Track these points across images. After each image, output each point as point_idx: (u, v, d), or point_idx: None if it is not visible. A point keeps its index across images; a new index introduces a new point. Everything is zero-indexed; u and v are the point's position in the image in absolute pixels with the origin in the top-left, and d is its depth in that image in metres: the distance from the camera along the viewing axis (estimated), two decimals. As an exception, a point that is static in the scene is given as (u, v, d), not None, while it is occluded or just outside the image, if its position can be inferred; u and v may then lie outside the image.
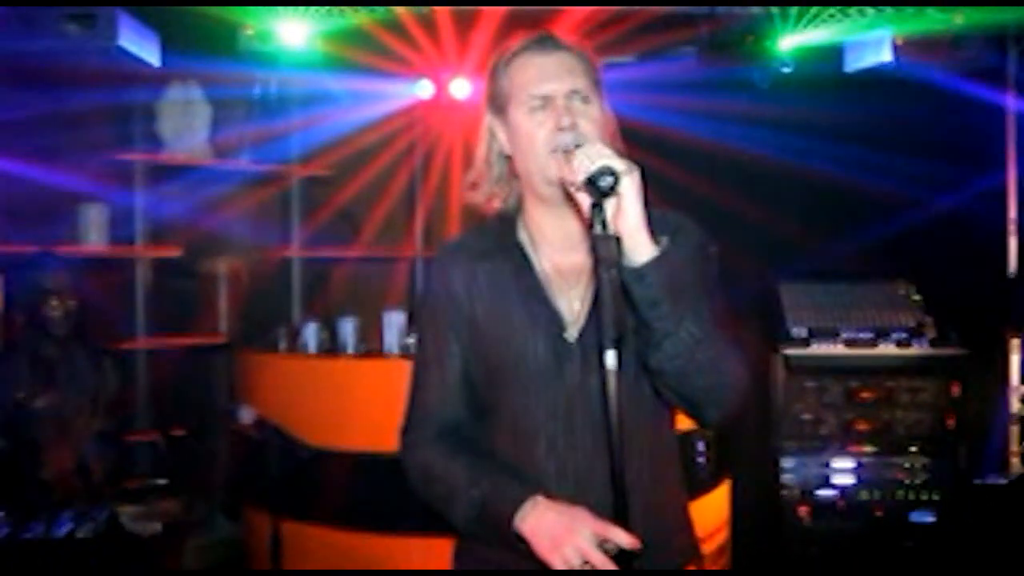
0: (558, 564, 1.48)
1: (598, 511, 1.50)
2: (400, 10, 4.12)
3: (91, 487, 3.75)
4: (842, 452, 3.97)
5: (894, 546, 3.89)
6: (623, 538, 1.43)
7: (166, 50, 4.05)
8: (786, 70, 4.29)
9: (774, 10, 4.15)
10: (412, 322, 4.14)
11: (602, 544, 1.46)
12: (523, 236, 1.74)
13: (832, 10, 4.03)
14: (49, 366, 3.78)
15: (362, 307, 4.29)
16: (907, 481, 3.93)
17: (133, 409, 4.74)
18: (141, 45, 3.88)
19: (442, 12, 4.21)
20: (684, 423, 1.84)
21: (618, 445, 1.40)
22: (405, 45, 4.45)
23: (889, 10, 3.88)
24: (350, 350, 4.02)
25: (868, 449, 3.96)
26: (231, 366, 4.57)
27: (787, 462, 4.00)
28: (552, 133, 1.60)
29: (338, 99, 4.96)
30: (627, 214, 1.44)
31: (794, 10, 4.09)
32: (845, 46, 4.20)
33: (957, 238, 4.25)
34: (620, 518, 1.43)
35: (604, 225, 1.40)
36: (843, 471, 3.97)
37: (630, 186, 1.43)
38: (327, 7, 4.08)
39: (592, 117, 1.63)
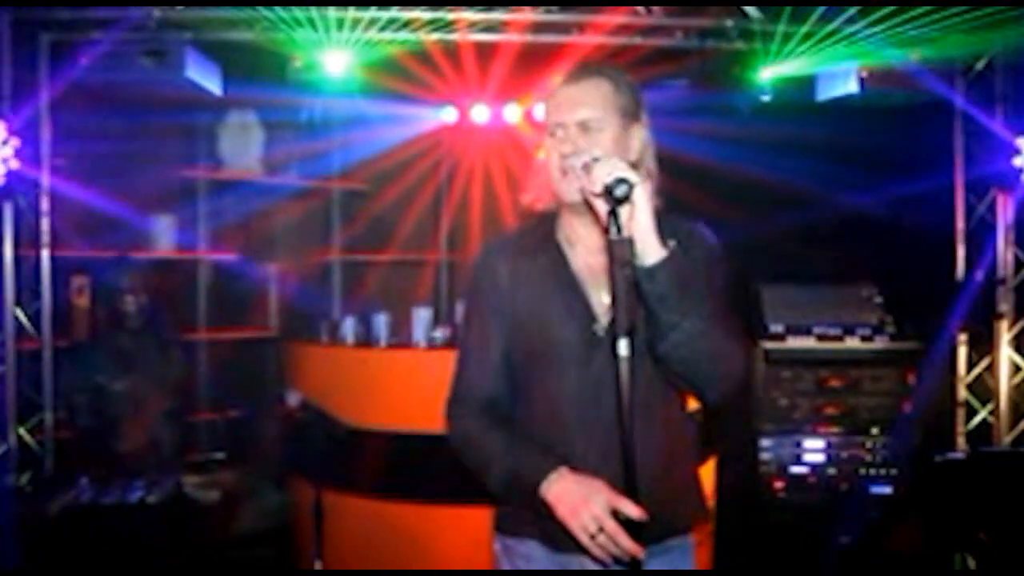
0: (576, 528, 1.52)
1: (617, 481, 1.52)
2: (429, 43, 4.10)
3: (160, 459, 3.81)
4: (813, 433, 3.99)
5: (857, 515, 3.90)
6: (631, 510, 1.47)
7: (226, 79, 4.07)
8: (765, 98, 4.31)
9: (756, 44, 4.17)
10: (438, 318, 4.18)
11: (615, 513, 1.50)
12: (561, 237, 1.76)
13: (807, 44, 4.05)
14: (125, 355, 3.82)
15: (394, 304, 4.31)
16: (869, 458, 3.95)
17: (196, 392, 4.81)
18: (205, 76, 3.90)
19: (465, 46, 4.21)
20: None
21: (629, 424, 1.43)
22: (433, 75, 4.43)
23: (856, 46, 3.90)
24: (383, 342, 4.05)
25: (835, 430, 3.98)
26: (280, 355, 4.60)
27: (765, 442, 4.01)
28: (560, 158, 1.64)
29: (374, 122, 4.98)
30: (639, 219, 1.47)
31: (774, 44, 4.10)
32: (817, 77, 4.21)
33: (913, 245, 4.25)
34: (629, 487, 1.47)
35: (619, 229, 1.44)
36: (814, 450, 3.98)
37: (642, 195, 1.47)
38: (368, 36, 4.07)
39: (601, 143, 1.63)
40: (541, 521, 1.63)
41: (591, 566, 1.61)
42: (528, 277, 1.73)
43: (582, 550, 1.54)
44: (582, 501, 1.53)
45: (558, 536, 1.59)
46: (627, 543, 1.48)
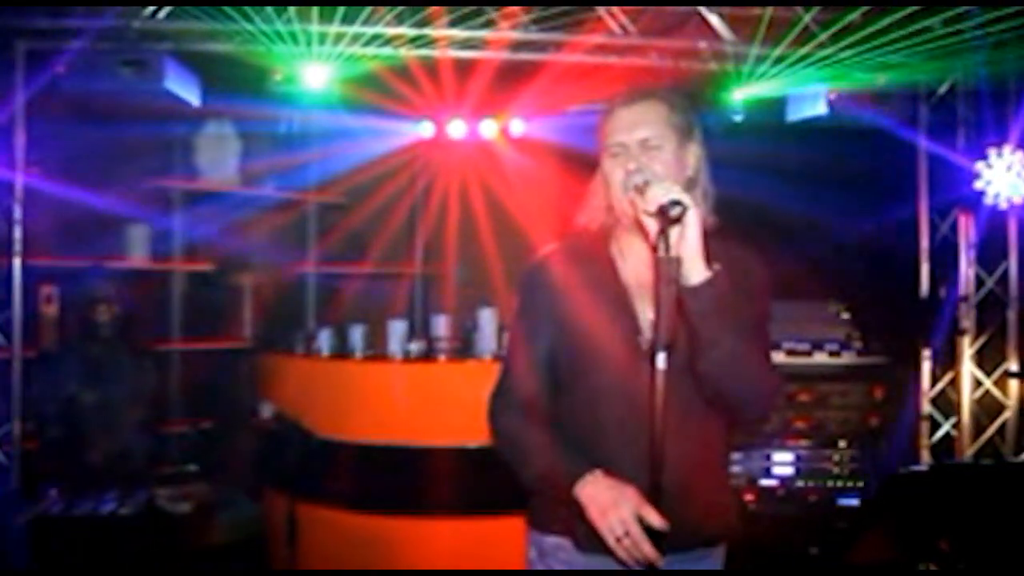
0: (604, 529, 1.57)
1: (647, 488, 1.56)
2: (407, 58, 4.09)
3: (132, 471, 3.77)
4: (782, 446, 4.00)
5: (825, 526, 3.92)
6: (654, 519, 1.52)
7: (205, 90, 4.04)
8: (737, 118, 4.36)
9: (728, 66, 4.23)
10: (413, 331, 4.18)
11: (641, 520, 1.54)
12: (614, 249, 1.82)
13: (778, 67, 4.11)
14: (97, 365, 3.80)
15: (369, 316, 4.31)
16: (836, 471, 3.97)
17: (168, 403, 4.78)
18: (184, 87, 3.86)
19: (444, 62, 4.23)
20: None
21: (659, 435, 1.47)
22: (411, 90, 4.44)
23: (826, 69, 3.97)
24: (358, 354, 4.05)
25: (804, 444, 4.00)
26: (254, 366, 4.60)
27: (736, 455, 3.99)
28: (625, 175, 1.66)
29: (352, 135, 4.98)
30: (688, 240, 1.51)
31: (746, 66, 4.16)
32: (787, 99, 4.27)
33: (879, 263, 4.33)
34: (654, 497, 1.52)
35: (668, 248, 1.47)
36: (783, 463, 4.00)
37: (693, 218, 1.51)
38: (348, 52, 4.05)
39: (663, 160, 1.69)
40: (573, 521, 1.67)
41: (615, 567, 1.64)
42: (578, 284, 1.77)
43: (609, 552, 1.59)
44: (611, 505, 1.57)
45: (589, 536, 1.63)
46: (648, 550, 1.53)
